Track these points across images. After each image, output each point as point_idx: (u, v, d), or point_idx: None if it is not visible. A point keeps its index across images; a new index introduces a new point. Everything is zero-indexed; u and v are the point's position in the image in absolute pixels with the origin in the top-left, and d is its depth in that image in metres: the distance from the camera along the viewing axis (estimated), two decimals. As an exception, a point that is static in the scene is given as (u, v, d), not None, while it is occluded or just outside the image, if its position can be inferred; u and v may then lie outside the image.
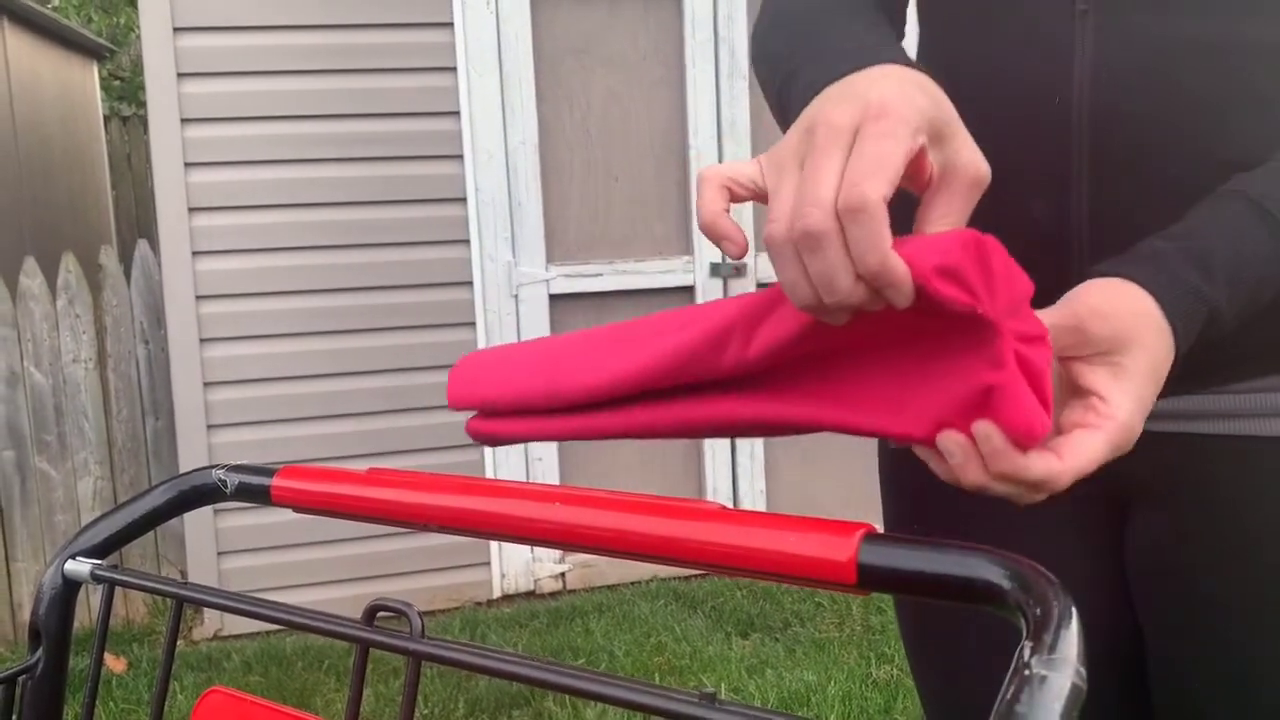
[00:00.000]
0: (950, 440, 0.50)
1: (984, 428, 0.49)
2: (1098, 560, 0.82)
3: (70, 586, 0.68)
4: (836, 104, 0.51)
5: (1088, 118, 0.72)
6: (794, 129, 0.53)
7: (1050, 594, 0.34)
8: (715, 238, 0.52)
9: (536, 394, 0.61)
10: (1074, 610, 0.34)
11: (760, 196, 0.53)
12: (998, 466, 0.49)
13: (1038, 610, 0.34)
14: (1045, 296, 0.76)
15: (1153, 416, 0.75)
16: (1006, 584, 0.36)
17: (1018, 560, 0.37)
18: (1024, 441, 0.48)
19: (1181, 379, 0.69)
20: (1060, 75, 0.72)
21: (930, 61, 0.82)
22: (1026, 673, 0.32)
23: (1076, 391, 0.57)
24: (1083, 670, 0.32)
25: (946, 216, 0.52)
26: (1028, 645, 0.33)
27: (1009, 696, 0.32)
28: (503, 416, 0.64)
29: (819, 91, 0.55)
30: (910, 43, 0.82)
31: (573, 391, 0.58)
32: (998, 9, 0.75)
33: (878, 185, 0.46)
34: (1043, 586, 0.35)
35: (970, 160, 0.54)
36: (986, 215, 0.77)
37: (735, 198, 0.53)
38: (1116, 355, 0.57)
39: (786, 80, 0.72)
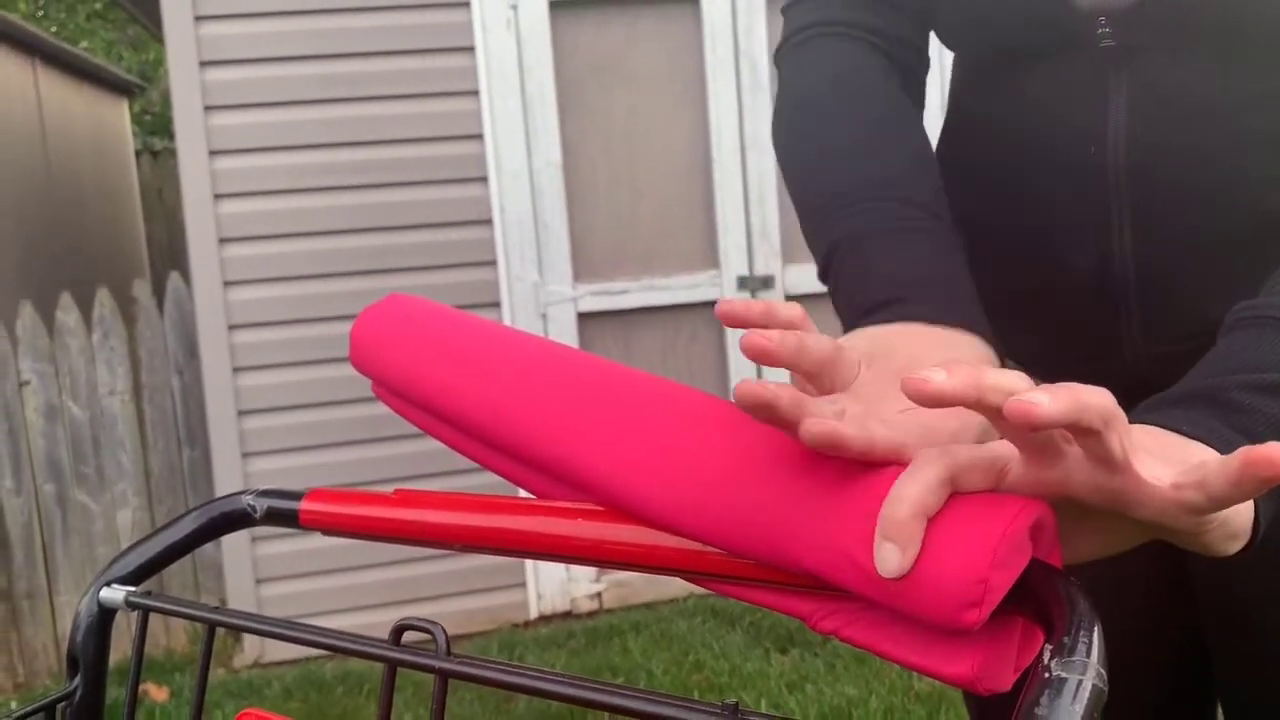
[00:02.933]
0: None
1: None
2: (1160, 563, 0.81)
3: (106, 614, 0.69)
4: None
5: (1125, 170, 0.70)
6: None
7: (1070, 596, 0.34)
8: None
9: (458, 405, 0.56)
10: (1095, 613, 0.34)
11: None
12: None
13: (1058, 612, 0.34)
14: (1095, 345, 0.76)
15: None
16: (1025, 584, 0.36)
17: (1038, 561, 0.37)
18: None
19: None
20: (1095, 129, 0.71)
21: (966, 118, 0.81)
22: (1046, 675, 0.32)
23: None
24: (1104, 672, 0.32)
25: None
26: (1048, 648, 0.33)
27: (1029, 699, 0.31)
28: (408, 400, 0.61)
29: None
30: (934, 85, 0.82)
31: (536, 445, 0.52)
32: (1031, 65, 0.74)
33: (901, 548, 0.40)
34: (1063, 588, 0.35)
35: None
36: (1029, 268, 0.77)
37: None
38: None
39: (832, 248, 0.67)
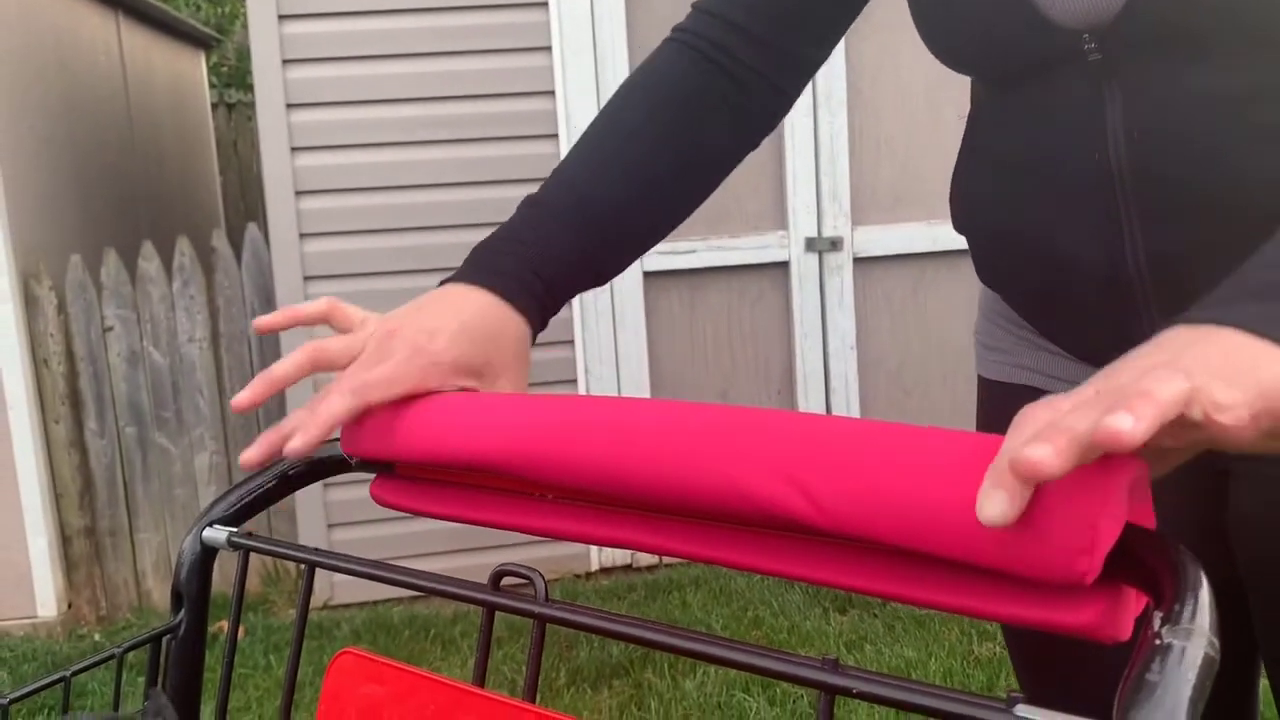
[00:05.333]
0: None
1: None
2: (1202, 514, 0.83)
3: (208, 552, 0.72)
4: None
5: (1128, 173, 0.72)
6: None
7: (1180, 562, 0.34)
8: None
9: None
10: (1204, 578, 0.34)
11: None
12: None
13: (1167, 579, 0.34)
14: (1114, 337, 0.77)
15: None
16: (1134, 552, 0.36)
17: (1144, 529, 0.37)
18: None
19: None
20: (1095, 136, 0.73)
21: (979, 126, 0.86)
22: (1157, 642, 0.32)
23: None
24: (1215, 640, 0.32)
25: None
26: (1157, 615, 0.33)
27: (1139, 666, 0.32)
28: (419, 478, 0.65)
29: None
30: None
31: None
32: (1026, 82, 0.77)
33: None
34: (1172, 554, 0.35)
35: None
36: (1045, 268, 0.79)
37: None
38: None
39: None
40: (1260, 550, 0.79)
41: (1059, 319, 0.83)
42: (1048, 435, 0.38)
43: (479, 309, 0.73)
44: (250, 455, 0.67)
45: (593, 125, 0.86)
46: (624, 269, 0.85)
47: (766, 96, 0.87)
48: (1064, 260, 0.78)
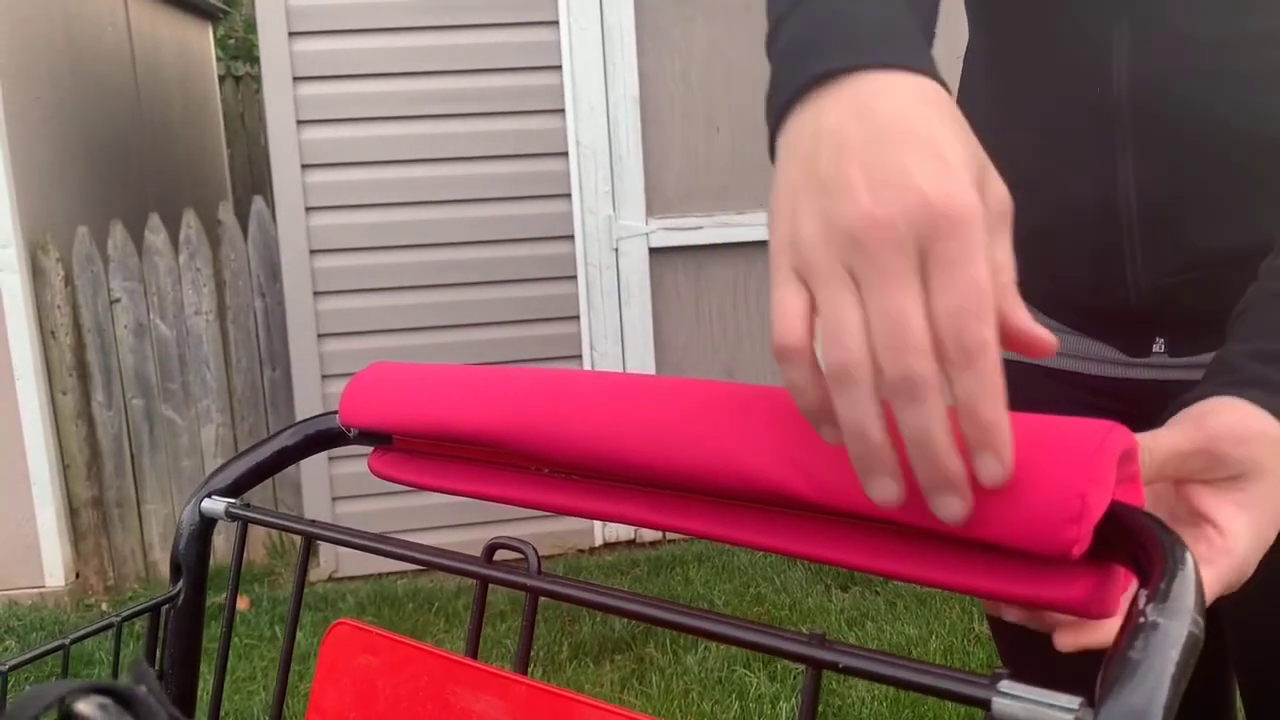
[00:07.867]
0: (1011, 611, 0.49)
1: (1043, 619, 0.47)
2: None
3: (207, 523, 0.72)
4: (876, 186, 0.41)
5: (1128, 108, 0.74)
6: (801, 177, 0.45)
7: (1165, 541, 0.34)
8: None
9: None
10: (1189, 557, 0.34)
11: None
12: (1069, 643, 0.46)
13: (1152, 557, 0.34)
14: (1098, 278, 0.78)
15: (1194, 369, 0.76)
16: (1122, 528, 0.36)
17: (1133, 506, 0.37)
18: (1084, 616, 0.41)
19: (1219, 333, 0.70)
20: (1100, 70, 0.74)
21: (980, 57, 0.86)
22: (1141, 620, 0.32)
23: (1193, 518, 0.53)
24: (1200, 619, 0.32)
25: (997, 252, 0.42)
26: (1142, 593, 0.33)
27: (1123, 643, 0.32)
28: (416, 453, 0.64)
29: (819, 79, 0.47)
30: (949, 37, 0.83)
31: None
32: (1045, 9, 0.78)
33: (991, 326, 0.38)
34: (1158, 533, 0.35)
35: (999, 193, 0.45)
36: (1036, 200, 0.79)
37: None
38: (1244, 484, 0.52)
39: (779, 19, 0.55)
40: None
41: (1040, 265, 0.82)
42: None
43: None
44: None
45: None
46: None
47: None
48: (1056, 191, 0.79)
